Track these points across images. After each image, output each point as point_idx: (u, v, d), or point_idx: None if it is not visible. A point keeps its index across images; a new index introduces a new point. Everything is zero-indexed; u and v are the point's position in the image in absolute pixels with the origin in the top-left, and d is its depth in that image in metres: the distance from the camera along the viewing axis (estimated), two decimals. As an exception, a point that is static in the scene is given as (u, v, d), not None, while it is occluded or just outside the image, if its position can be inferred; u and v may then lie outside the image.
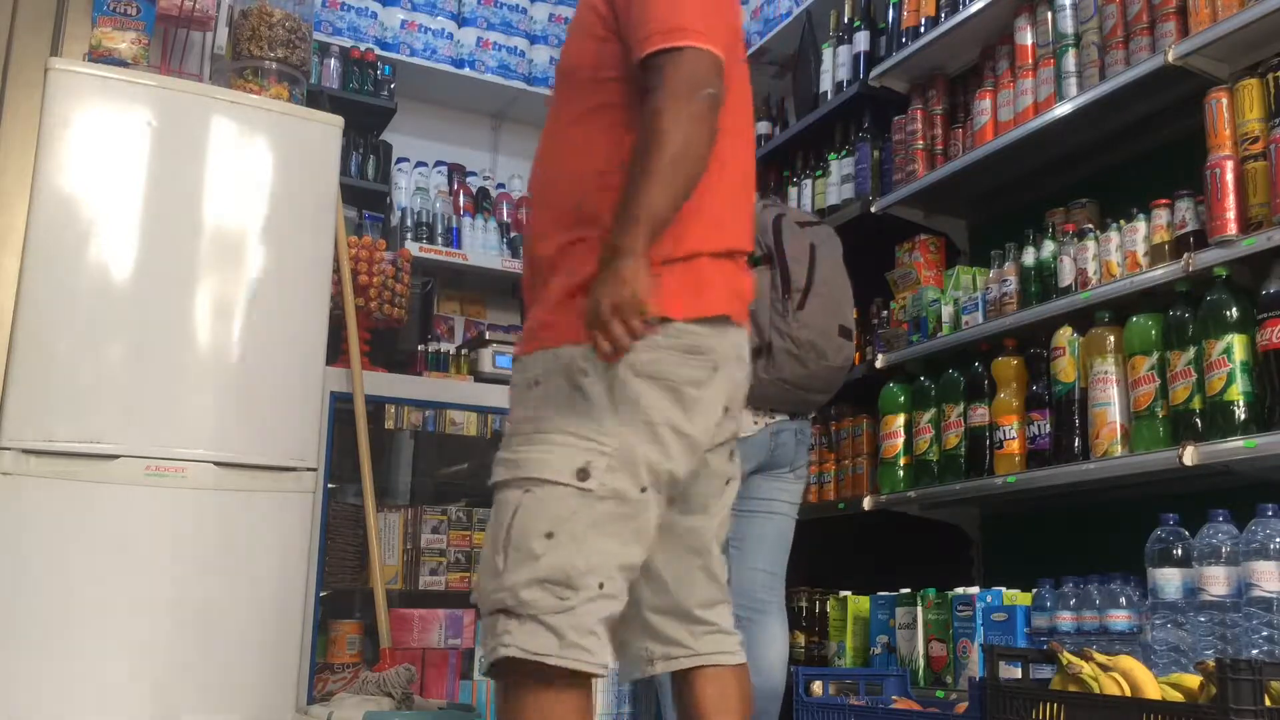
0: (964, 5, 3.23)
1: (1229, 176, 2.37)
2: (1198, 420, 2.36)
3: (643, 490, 1.59)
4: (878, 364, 3.29)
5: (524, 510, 1.58)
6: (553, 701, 1.52)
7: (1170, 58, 2.52)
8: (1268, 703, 1.55)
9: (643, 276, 1.52)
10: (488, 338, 3.46)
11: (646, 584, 1.72)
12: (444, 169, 4.86)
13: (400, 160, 4.70)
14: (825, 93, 3.84)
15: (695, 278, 1.64)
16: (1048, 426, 2.72)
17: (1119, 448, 2.52)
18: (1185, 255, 2.44)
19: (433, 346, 3.81)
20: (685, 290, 1.63)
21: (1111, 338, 2.58)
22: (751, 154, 1.83)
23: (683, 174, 1.59)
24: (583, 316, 1.55)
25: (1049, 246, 2.88)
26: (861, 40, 3.71)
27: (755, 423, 2.66)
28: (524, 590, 1.54)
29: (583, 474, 1.57)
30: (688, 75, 1.60)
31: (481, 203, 4.76)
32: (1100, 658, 1.84)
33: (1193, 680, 1.76)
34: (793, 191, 3.89)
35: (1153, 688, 1.76)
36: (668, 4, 1.64)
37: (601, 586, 1.55)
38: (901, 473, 3.16)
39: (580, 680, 1.53)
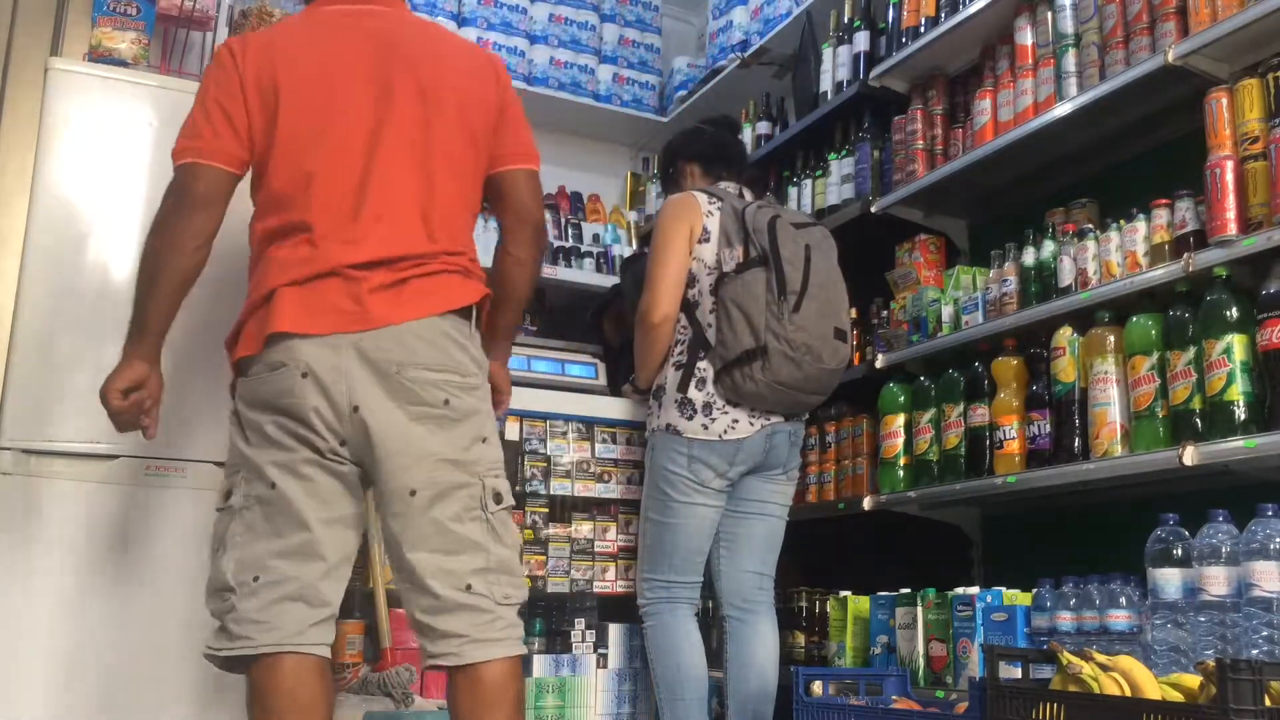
0: (964, 5, 3.23)
1: (1229, 176, 2.37)
2: (1198, 420, 2.36)
3: (272, 486, 1.92)
4: (878, 364, 3.29)
5: (211, 536, 2.00)
6: (250, 682, 1.88)
7: (1170, 58, 2.52)
8: (1268, 703, 1.55)
9: (114, 374, 2.04)
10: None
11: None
12: (444, 169, 4.85)
13: (400, 160, 4.69)
14: (825, 93, 3.84)
15: (266, 313, 1.95)
16: (1048, 426, 2.72)
17: (1119, 448, 2.52)
18: (1185, 255, 2.44)
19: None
20: (256, 327, 1.97)
21: (1111, 338, 2.58)
22: (323, 174, 1.99)
23: (146, 276, 2.02)
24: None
25: (1049, 246, 2.88)
26: (861, 40, 3.71)
27: (751, 424, 2.66)
28: (207, 601, 1.95)
29: (226, 495, 1.98)
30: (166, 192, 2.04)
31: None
32: (1100, 658, 1.84)
33: (1193, 680, 1.76)
34: (793, 191, 3.89)
35: (1153, 688, 1.76)
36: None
37: (257, 579, 1.88)
38: (901, 473, 3.16)
39: (263, 660, 1.85)
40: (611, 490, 3.25)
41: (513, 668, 1.96)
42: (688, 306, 2.73)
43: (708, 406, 2.64)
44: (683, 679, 2.64)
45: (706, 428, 2.63)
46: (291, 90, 2.01)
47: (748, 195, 2.88)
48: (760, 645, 2.72)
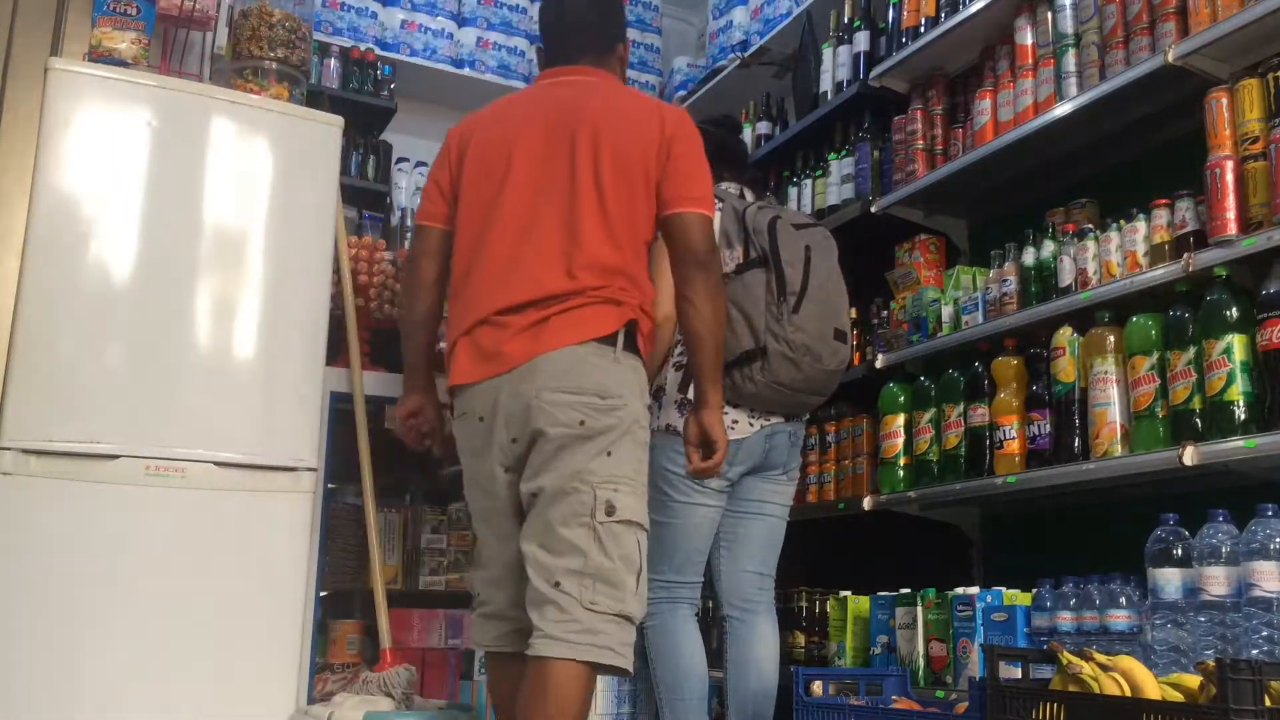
0: (964, 5, 3.23)
1: (1229, 176, 2.37)
2: (1198, 420, 2.36)
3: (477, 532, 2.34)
4: (878, 364, 3.29)
5: None
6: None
7: (1170, 58, 2.52)
8: (1268, 703, 1.55)
9: (398, 403, 2.47)
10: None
11: None
12: (444, 169, 4.85)
13: (400, 160, 4.69)
14: (825, 93, 3.84)
15: (450, 364, 2.26)
16: (1048, 426, 2.72)
17: (1119, 448, 2.52)
18: (1185, 255, 2.44)
19: (432, 346, 3.80)
20: (447, 380, 2.27)
21: (1111, 338, 2.58)
22: (493, 230, 2.25)
23: (400, 319, 2.53)
24: None
25: (1049, 246, 2.88)
26: (861, 40, 3.71)
27: (750, 425, 2.66)
28: None
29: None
30: None
31: (481, 203, 4.76)
32: (1100, 658, 1.84)
33: (1193, 680, 1.77)
34: (793, 191, 3.89)
35: (1153, 688, 1.76)
36: None
37: (478, 595, 2.31)
38: (901, 473, 3.16)
39: (489, 655, 2.32)
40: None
41: (575, 671, 2.04)
42: None
43: None
44: (683, 679, 2.64)
45: None
46: (477, 154, 2.33)
47: (749, 196, 2.88)
48: (761, 645, 2.71)
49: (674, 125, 2.29)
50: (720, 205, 2.77)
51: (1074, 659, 1.86)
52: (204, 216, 2.66)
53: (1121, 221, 2.68)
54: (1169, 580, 2.16)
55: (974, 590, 2.68)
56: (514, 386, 2.13)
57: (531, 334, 2.15)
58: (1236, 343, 2.31)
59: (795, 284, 2.62)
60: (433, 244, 2.38)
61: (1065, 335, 2.71)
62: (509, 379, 2.14)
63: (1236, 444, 2.24)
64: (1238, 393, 2.29)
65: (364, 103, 4.41)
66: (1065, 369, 2.70)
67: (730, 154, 3.00)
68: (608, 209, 2.20)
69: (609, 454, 2.13)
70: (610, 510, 2.10)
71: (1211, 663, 1.64)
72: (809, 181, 3.82)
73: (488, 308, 2.19)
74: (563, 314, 2.15)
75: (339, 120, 2.89)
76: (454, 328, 2.26)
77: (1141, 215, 2.64)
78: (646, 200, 2.25)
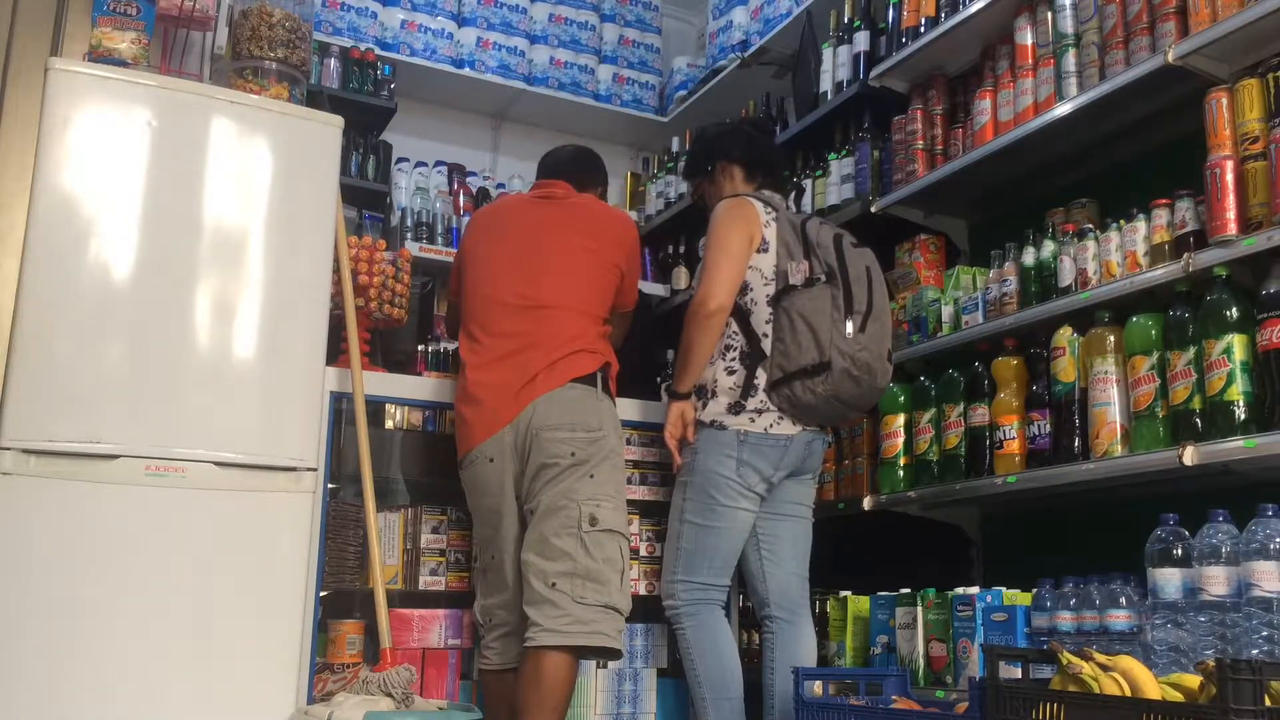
0: (964, 5, 3.23)
1: (1229, 176, 2.37)
2: (1198, 420, 2.36)
3: (493, 558, 2.66)
4: (878, 364, 3.28)
5: None
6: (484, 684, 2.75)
7: (1170, 58, 2.52)
8: (1268, 703, 1.55)
9: None
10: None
11: None
12: (444, 169, 4.85)
13: (400, 160, 4.69)
14: (825, 93, 3.84)
15: (465, 428, 2.68)
16: (1048, 426, 2.73)
17: (1119, 448, 2.52)
18: (1185, 255, 2.44)
19: (433, 346, 3.81)
20: (459, 435, 2.72)
21: (1111, 338, 2.58)
22: (479, 283, 2.76)
23: None
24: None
25: (1049, 246, 2.88)
26: (861, 40, 3.72)
27: (793, 425, 2.67)
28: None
29: (475, 557, 2.80)
30: None
31: (481, 203, 4.76)
32: (1100, 658, 1.84)
33: (1193, 680, 1.76)
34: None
35: (1153, 688, 1.76)
36: None
37: (490, 620, 2.69)
38: (901, 473, 3.16)
39: (487, 675, 2.70)
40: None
41: (564, 659, 2.43)
42: (740, 314, 2.72)
43: (757, 411, 2.66)
44: (727, 678, 2.65)
45: (754, 420, 2.64)
46: (474, 250, 2.82)
47: (792, 206, 2.89)
48: (805, 646, 2.73)
49: (632, 238, 2.86)
50: (775, 216, 2.76)
51: (1074, 659, 1.86)
52: (204, 216, 2.66)
53: (1121, 221, 2.69)
54: (1169, 580, 2.16)
55: (974, 590, 2.68)
56: (520, 425, 2.54)
57: (530, 386, 2.55)
58: (1236, 343, 2.31)
59: (861, 303, 2.63)
60: (453, 308, 3.05)
61: (1065, 335, 2.71)
62: (517, 421, 2.54)
63: (1236, 444, 2.24)
64: (1238, 393, 2.29)
65: (364, 103, 4.41)
66: (1065, 369, 2.70)
67: (771, 160, 2.99)
68: (592, 293, 2.72)
69: (592, 476, 2.52)
70: (594, 521, 2.48)
71: (1211, 663, 1.64)
72: (809, 181, 3.82)
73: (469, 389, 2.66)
74: (551, 365, 2.57)
75: (339, 120, 2.89)
76: (459, 391, 2.68)
77: (1141, 215, 2.64)
78: (613, 295, 2.78)
